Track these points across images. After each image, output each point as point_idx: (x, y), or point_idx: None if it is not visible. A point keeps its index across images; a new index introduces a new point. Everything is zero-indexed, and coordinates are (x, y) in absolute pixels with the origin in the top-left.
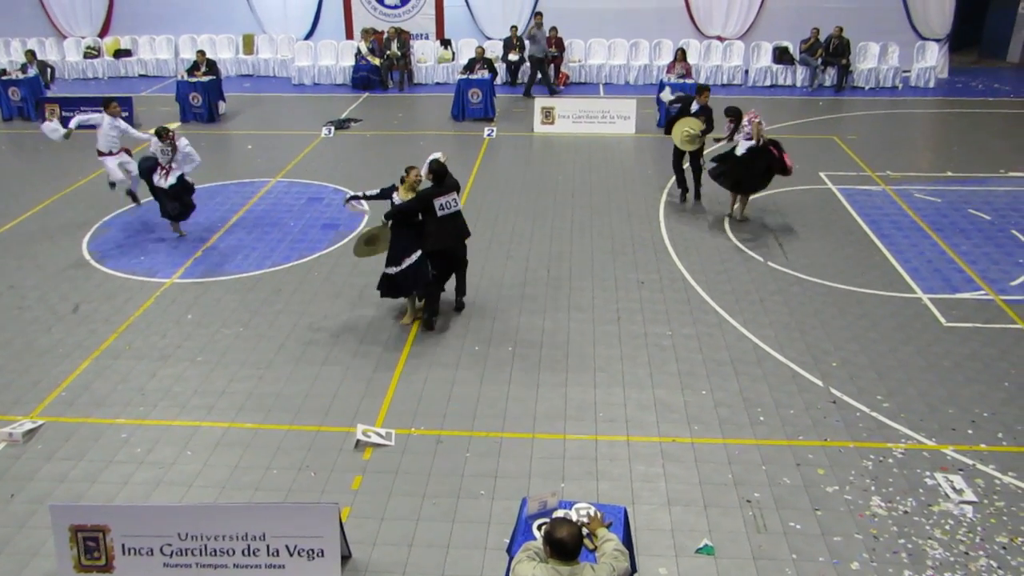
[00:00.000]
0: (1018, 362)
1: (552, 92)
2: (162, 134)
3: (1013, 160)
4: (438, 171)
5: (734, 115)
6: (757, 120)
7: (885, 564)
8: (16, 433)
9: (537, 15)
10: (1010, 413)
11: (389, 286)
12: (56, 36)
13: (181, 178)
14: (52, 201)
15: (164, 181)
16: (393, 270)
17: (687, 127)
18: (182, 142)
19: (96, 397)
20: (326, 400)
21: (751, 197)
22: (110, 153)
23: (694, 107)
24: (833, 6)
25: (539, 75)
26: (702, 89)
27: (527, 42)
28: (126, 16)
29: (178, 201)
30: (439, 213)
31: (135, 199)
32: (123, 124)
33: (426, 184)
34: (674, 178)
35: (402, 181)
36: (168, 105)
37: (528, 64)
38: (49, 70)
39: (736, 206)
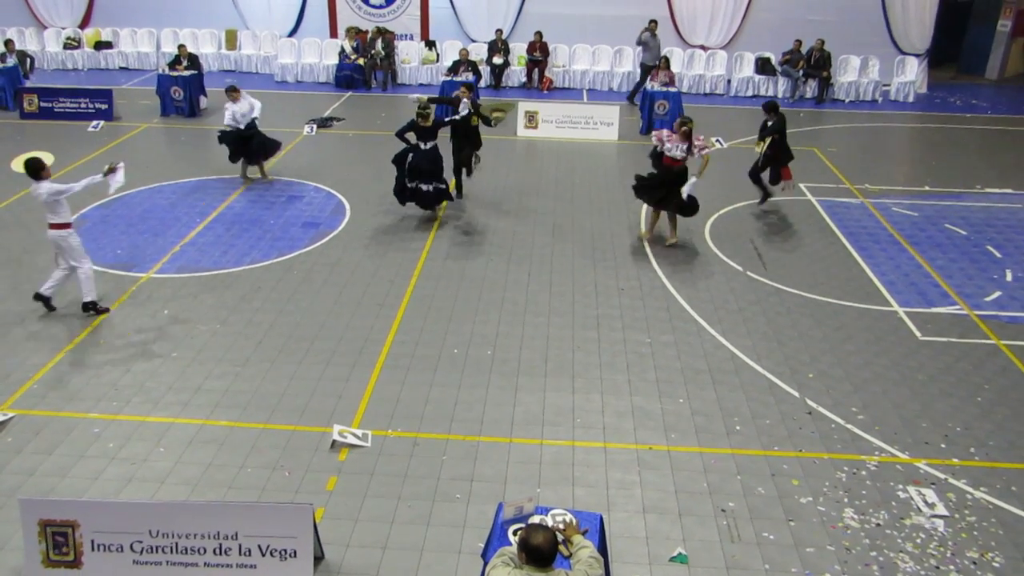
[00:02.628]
0: (991, 377)
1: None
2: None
3: (989, 176)
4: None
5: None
6: (707, 155)
7: None
8: None
9: (652, 22)
10: (983, 428)
11: (411, 197)
12: (36, 26)
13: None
14: (28, 191)
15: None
16: (425, 187)
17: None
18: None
19: (69, 391)
20: (302, 399)
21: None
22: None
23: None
24: (815, 19)
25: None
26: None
27: (638, 48)
28: (107, 8)
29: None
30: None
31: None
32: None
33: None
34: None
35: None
36: (149, 98)
37: (498, 68)
38: (29, 60)
39: (669, 230)
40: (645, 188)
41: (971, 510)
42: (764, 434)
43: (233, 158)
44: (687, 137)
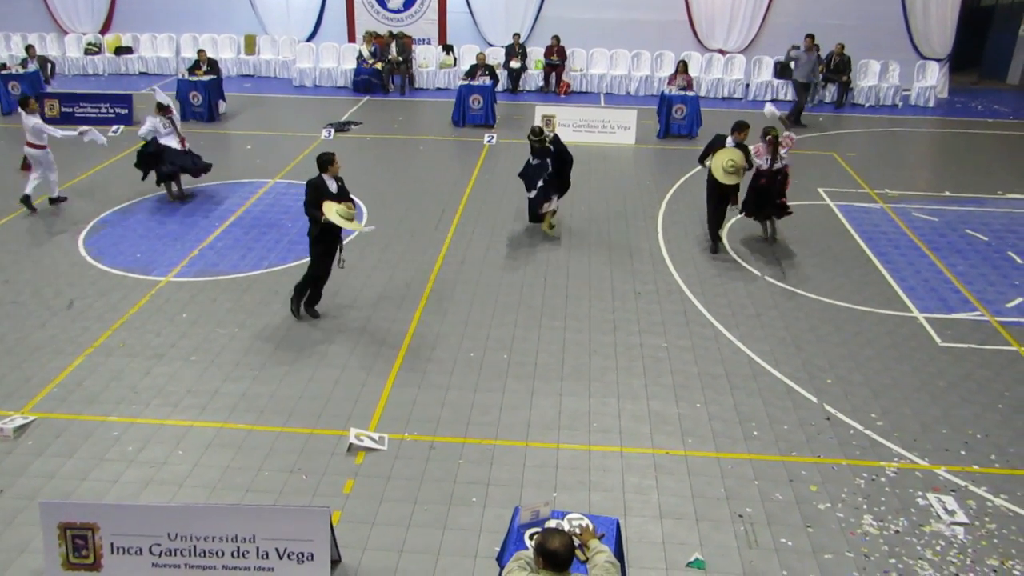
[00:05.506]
0: (1012, 384)
1: (798, 122)
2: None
3: (1011, 182)
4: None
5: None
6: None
7: None
8: (7, 428)
9: (808, 37)
10: (1003, 435)
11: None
12: (57, 32)
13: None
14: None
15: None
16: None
17: (730, 157)
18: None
19: (88, 394)
20: (319, 403)
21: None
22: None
23: (729, 142)
24: (835, 23)
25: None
26: (742, 127)
27: (791, 64)
28: (128, 13)
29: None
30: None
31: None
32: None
33: None
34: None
35: None
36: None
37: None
38: (49, 65)
39: (769, 230)
40: (752, 207)
41: (991, 517)
42: (782, 439)
43: (161, 177)
44: (773, 146)
